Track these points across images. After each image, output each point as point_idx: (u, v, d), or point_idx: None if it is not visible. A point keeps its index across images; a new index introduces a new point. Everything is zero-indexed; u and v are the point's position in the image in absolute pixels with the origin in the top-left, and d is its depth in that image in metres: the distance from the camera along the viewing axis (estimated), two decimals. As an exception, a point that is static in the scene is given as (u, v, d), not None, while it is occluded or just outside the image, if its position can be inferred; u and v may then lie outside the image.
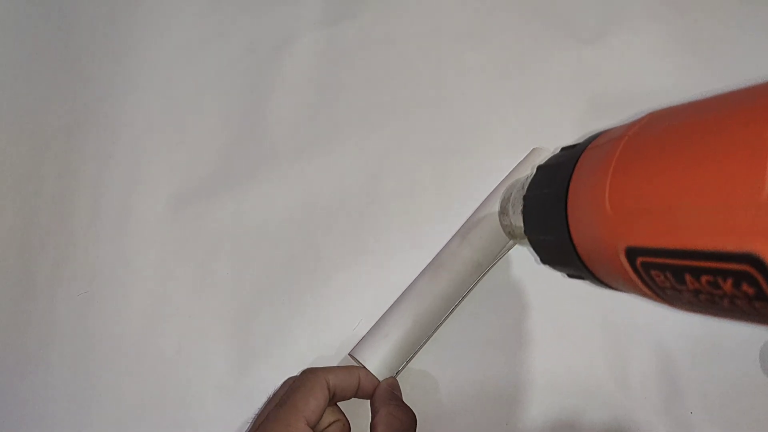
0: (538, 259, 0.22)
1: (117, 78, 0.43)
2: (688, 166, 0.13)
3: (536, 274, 0.33)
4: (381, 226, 0.35)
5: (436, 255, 0.32)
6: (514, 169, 0.33)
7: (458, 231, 0.32)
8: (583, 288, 0.32)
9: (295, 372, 0.30)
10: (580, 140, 0.20)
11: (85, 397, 0.35)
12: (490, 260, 0.31)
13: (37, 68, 0.45)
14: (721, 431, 0.29)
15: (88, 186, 0.40)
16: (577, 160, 0.18)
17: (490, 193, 0.33)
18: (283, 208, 0.37)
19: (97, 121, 0.42)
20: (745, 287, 0.12)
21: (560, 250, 0.19)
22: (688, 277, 0.13)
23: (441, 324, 0.31)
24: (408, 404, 0.27)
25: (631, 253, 0.15)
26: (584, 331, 0.32)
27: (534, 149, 0.33)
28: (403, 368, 0.30)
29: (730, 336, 0.30)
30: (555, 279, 0.33)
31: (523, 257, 0.33)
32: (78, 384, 0.36)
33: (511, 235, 0.27)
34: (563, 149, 0.21)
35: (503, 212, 0.27)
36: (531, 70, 0.37)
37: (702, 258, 0.12)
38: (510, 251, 0.33)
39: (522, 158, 0.33)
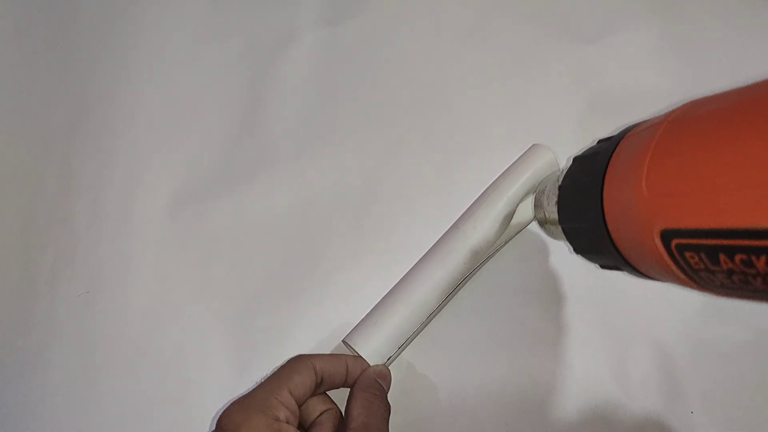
0: (572, 249, 0.22)
1: (117, 78, 0.43)
2: (729, 147, 0.13)
3: (536, 275, 0.33)
4: (381, 226, 0.35)
5: (432, 245, 0.32)
6: (513, 163, 0.33)
7: (455, 222, 0.33)
8: (584, 288, 0.32)
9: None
10: (614, 133, 0.20)
11: (85, 397, 0.35)
12: (485, 249, 0.31)
13: (37, 68, 0.45)
14: (722, 431, 0.29)
15: (88, 186, 0.40)
16: (614, 149, 0.19)
17: (488, 186, 0.33)
18: (282, 208, 0.37)
19: (97, 121, 0.42)
20: None
21: (595, 238, 0.19)
22: (722, 257, 0.13)
23: (436, 313, 0.31)
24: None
25: (666, 236, 0.15)
26: (584, 331, 0.32)
27: (534, 145, 0.33)
28: (396, 356, 0.30)
29: (730, 336, 0.30)
30: (555, 279, 0.33)
31: (523, 258, 0.33)
32: (78, 384, 0.36)
33: (545, 227, 0.27)
34: (600, 141, 0.21)
35: (537, 205, 0.27)
36: (531, 70, 0.37)
37: (736, 236, 0.12)
38: (510, 246, 0.33)
39: (521, 153, 0.33)
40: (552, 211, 0.24)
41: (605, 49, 0.36)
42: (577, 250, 0.22)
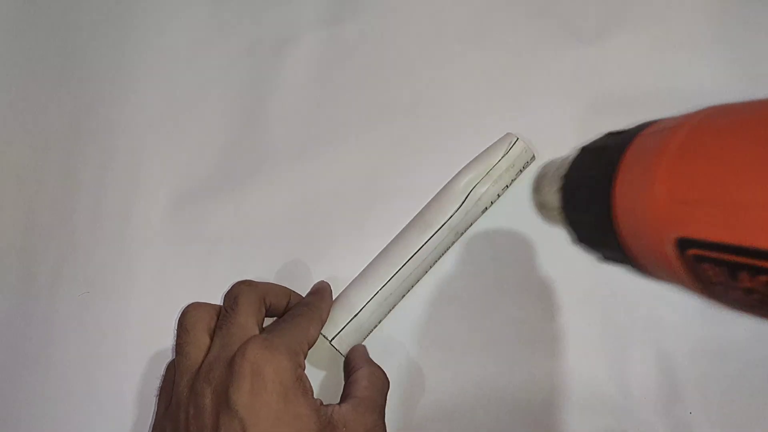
0: (572, 238, 0.23)
1: (117, 78, 0.43)
2: (755, 163, 0.13)
3: (536, 275, 0.33)
4: (381, 226, 0.35)
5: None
6: (482, 152, 0.34)
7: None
8: (583, 288, 0.32)
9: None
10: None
11: (85, 397, 0.35)
12: (440, 226, 0.32)
13: (37, 68, 0.45)
14: (721, 431, 0.29)
15: (88, 186, 0.40)
16: (628, 145, 0.18)
17: (455, 175, 0.34)
18: (283, 208, 0.37)
19: (97, 121, 0.42)
20: None
21: (600, 231, 0.19)
22: (743, 275, 0.13)
23: (397, 287, 0.32)
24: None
25: (683, 244, 0.14)
26: (583, 331, 0.32)
27: (507, 134, 0.34)
28: (352, 322, 0.31)
29: (731, 336, 0.30)
30: (554, 279, 0.33)
31: (522, 258, 0.33)
32: (78, 384, 0.36)
33: (541, 210, 0.27)
34: (609, 134, 0.21)
35: (536, 189, 0.28)
36: (531, 70, 0.37)
37: (762, 257, 0.12)
38: (508, 246, 0.33)
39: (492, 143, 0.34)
40: (552, 197, 0.25)
41: (605, 49, 0.36)
42: (579, 239, 0.22)
